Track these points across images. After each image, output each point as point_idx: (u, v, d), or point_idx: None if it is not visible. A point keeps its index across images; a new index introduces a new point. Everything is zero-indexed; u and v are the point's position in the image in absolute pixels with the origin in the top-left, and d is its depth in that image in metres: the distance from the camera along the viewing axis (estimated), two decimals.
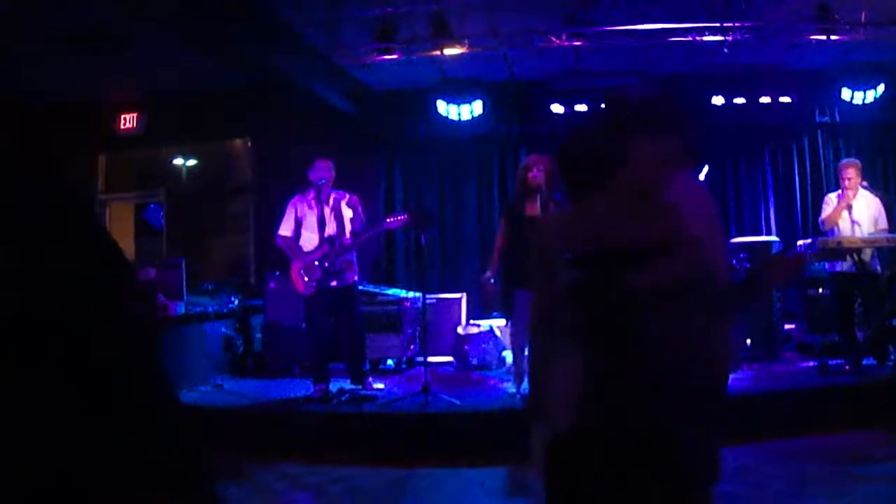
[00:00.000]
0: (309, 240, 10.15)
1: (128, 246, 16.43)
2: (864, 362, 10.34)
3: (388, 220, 10.72)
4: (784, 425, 8.79)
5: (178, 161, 15.96)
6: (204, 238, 15.62)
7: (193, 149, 15.93)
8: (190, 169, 16.00)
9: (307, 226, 10.17)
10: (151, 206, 17.15)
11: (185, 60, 12.07)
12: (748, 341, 11.01)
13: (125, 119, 15.28)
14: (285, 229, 10.26)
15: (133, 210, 17.15)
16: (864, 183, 10.93)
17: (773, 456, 8.16)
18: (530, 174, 9.47)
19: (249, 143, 15.48)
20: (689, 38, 11.67)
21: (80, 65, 12.54)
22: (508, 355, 12.07)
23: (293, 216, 10.26)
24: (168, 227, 15.97)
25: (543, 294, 4.06)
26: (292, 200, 10.35)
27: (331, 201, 10.18)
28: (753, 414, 8.81)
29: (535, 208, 9.30)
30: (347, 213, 10.22)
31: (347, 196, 10.33)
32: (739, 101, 13.85)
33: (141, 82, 13.80)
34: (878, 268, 10.63)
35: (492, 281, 9.95)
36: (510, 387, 10.20)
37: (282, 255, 10.48)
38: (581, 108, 13.87)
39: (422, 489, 7.97)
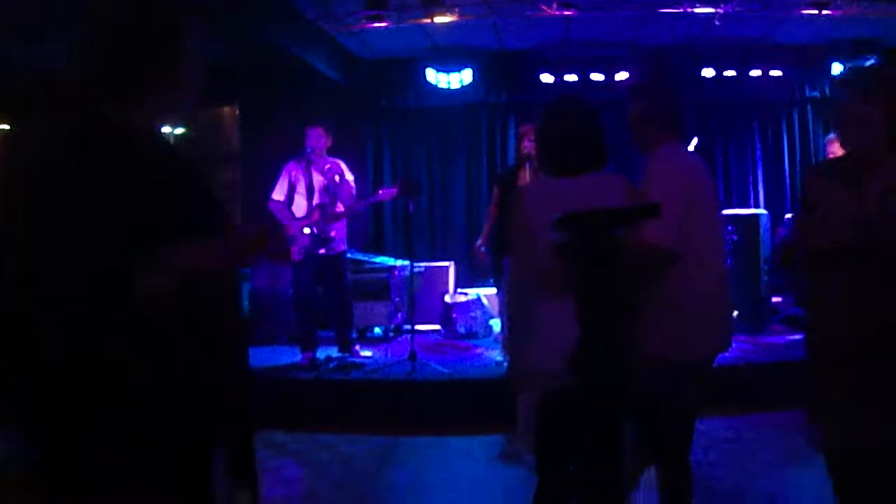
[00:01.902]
0: (300, 206, 10.11)
1: None
2: None
3: (379, 192, 10.74)
4: (771, 398, 8.80)
5: (165, 128, 15.86)
6: None
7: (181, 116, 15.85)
8: (176, 136, 15.91)
9: (299, 192, 10.14)
10: None
11: None
12: (735, 313, 11.02)
13: None
14: (278, 194, 10.22)
15: None
16: None
17: (759, 427, 8.21)
18: (522, 144, 9.45)
19: (237, 111, 15.38)
20: (681, 10, 11.66)
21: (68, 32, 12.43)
22: (496, 324, 12.09)
23: (287, 181, 10.22)
24: None
25: (525, 258, 4.11)
26: (287, 165, 10.30)
27: (324, 169, 10.15)
28: (740, 386, 8.85)
29: (525, 178, 9.29)
30: (338, 181, 10.20)
31: (338, 163, 10.31)
32: (730, 73, 13.85)
33: None
34: None
35: (483, 249, 9.95)
36: (497, 355, 10.22)
37: (273, 220, 10.44)
38: (571, 77, 13.84)
39: (408, 457, 7.99)
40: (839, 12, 11.66)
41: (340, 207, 10.14)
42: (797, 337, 10.72)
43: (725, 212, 11.66)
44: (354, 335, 10.77)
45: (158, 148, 2.77)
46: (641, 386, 4.02)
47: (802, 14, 11.78)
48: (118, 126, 2.65)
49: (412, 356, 9.66)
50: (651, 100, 4.76)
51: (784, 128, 14.99)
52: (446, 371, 9.47)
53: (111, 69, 2.73)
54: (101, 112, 2.67)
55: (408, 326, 10.63)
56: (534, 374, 4.06)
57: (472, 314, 12.36)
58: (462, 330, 12.23)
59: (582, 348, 2.99)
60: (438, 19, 11.73)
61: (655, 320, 4.27)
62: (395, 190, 10.48)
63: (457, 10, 11.71)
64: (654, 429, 4.34)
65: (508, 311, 4.55)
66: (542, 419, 3.91)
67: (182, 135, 15.36)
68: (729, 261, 10.72)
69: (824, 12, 11.51)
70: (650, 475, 4.70)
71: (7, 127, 11.99)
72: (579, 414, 3.20)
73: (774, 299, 12.24)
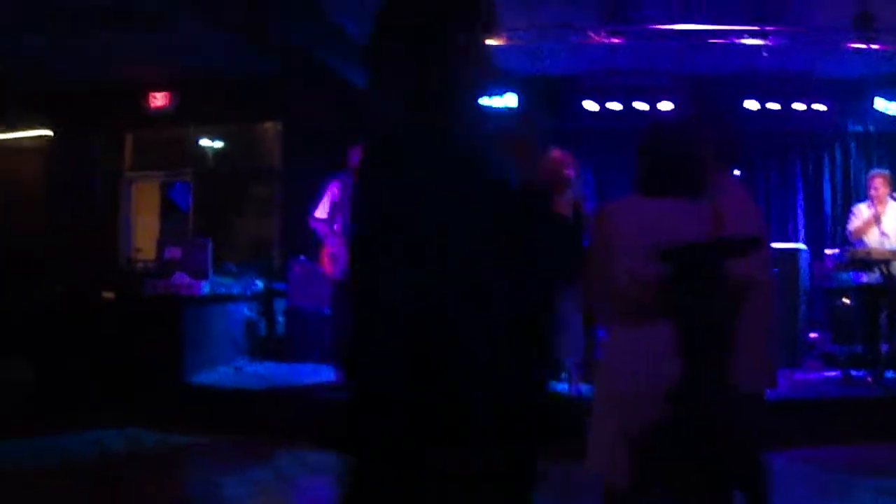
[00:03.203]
0: (342, 224, 10.10)
1: (153, 225, 16.47)
2: (887, 375, 10.23)
3: None
4: (806, 434, 8.72)
5: (206, 142, 15.94)
6: (229, 219, 15.59)
7: (222, 130, 15.91)
8: (218, 150, 15.98)
9: (342, 210, 10.13)
10: (177, 185, 17.17)
11: (218, 41, 12.03)
12: None
13: (155, 97, 15.29)
14: (321, 212, 10.21)
15: (159, 189, 17.17)
16: (895, 194, 10.83)
17: (793, 464, 8.11)
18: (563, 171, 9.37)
19: (280, 127, 15.44)
20: (728, 41, 11.61)
21: (114, 41, 12.55)
22: None
23: (329, 198, 10.21)
24: (194, 207, 15.96)
25: (602, 281, 4.06)
26: (331, 184, 10.30)
27: None
28: (775, 421, 8.76)
29: (563, 205, 9.21)
30: None
31: None
32: (773, 106, 13.78)
33: (173, 61, 13.78)
34: None
35: None
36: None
37: (313, 236, 10.43)
38: (614, 105, 13.80)
39: None
40: (886, 46, 11.59)
41: None
42: (833, 374, 10.63)
43: None
44: None
45: None
46: (739, 419, 4.00)
47: (849, 47, 11.72)
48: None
49: None
50: (715, 131, 4.74)
51: (826, 162, 14.89)
52: None
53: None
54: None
55: None
56: (616, 400, 4.00)
57: None
58: None
59: (687, 383, 2.96)
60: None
61: (744, 352, 4.25)
62: None
63: (504, 34, 11.69)
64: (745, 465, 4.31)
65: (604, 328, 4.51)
66: (642, 453, 3.85)
67: (221, 149, 15.45)
68: None
69: (872, 46, 11.45)
70: None
71: (50, 132, 12.03)
72: (684, 450, 3.16)
73: (811, 335, 12.15)
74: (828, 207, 14.77)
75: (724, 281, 2.91)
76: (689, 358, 2.95)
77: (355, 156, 10.10)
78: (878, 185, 10.78)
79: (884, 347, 10.46)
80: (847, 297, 11.39)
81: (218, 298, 11.39)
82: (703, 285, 2.86)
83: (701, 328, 2.92)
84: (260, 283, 12.61)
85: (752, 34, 11.47)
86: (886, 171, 11.14)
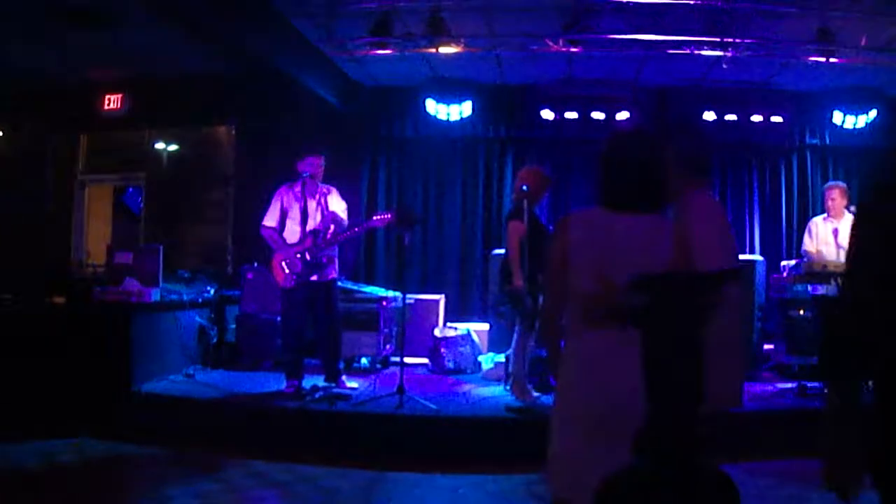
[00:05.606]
0: (293, 232, 10.04)
1: (104, 229, 16.27)
2: None
3: (373, 218, 10.58)
4: (762, 446, 8.66)
5: (160, 145, 15.74)
6: (182, 225, 15.40)
7: (176, 134, 15.73)
8: (171, 154, 15.79)
9: (292, 217, 10.07)
10: (130, 189, 17.00)
11: (173, 43, 11.91)
12: None
13: (109, 100, 15.09)
14: (270, 220, 10.15)
15: (112, 192, 16.98)
16: (852, 207, 10.85)
17: (751, 476, 8.03)
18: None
19: (233, 132, 15.29)
20: (688, 51, 11.59)
21: (69, 42, 12.39)
22: (484, 360, 11.97)
23: (279, 207, 10.16)
24: (146, 212, 15.78)
25: (559, 295, 3.95)
26: (279, 190, 10.24)
27: (317, 195, 10.06)
28: (731, 434, 8.70)
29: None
30: (334, 208, 10.10)
31: (333, 190, 10.22)
32: (731, 117, 13.77)
33: (127, 63, 13.62)
34: None
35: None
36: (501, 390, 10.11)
37: (264, 245, 10.34)
38: (571, 115, 13.75)
39: (393, 493, 7.81)
40: (845, 60, 11.62)
41: (333, 234, 10.05)
42: (788, 385, 10.58)
43: None
44: (341, 365, 10.63)
45: None
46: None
47: (808, 60, 11.73)
48: None
49: (400, 389, 9.49)
50: (690, 142, 4.63)
51: (783, 174, 14.91)
52: (434, 407, 9.31)
53: None
54: None
55: (395, 358, 10.48)
56: (575, 416, 3.88)
57: (461, 349, 12.22)
58: (450, 365, 12.09)
59: (654, 427, 2.85)
60: (443, 49, 11.63)
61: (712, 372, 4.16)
62: (390, 216, 10.35)
63: (462, 41, 11.63)
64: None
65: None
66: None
67: (175, 153, 15.28)
68: None
69: (832, 60, 11.46)
70: None
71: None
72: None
73: (766, 346, 12.13)
74: (783, 219, 14.79)
75: (697, 310, 2.79)
76: (656, 395, 2.83)
77: (312, 164, 10.02)
78: (835, 196, 10.86)
79: None
80: (803, 309, 11.35)
81: (169, 305, 11.23)
82: (676, 316, 2.74)
83: (671, 359, 2.80)
84: (212, 290, 12.44)
85: (712, 45, 11.45)
86: (843, 184, 11.22)
